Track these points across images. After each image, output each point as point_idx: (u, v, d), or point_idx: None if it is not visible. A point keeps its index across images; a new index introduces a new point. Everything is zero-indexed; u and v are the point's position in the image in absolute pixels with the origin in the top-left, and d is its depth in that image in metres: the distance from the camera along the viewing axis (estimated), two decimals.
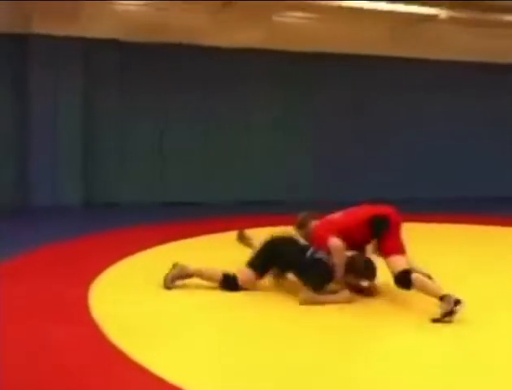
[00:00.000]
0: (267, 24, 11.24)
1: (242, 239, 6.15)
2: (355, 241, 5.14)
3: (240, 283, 5.19)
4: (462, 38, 12.29)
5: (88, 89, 10.41)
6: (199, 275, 5.27)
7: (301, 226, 5.52)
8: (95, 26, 10.33)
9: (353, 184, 11.91)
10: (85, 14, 10.21)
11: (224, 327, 4.38)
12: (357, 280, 5.13)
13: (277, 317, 4.65)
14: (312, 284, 4.96)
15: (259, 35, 11.22)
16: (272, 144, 11.62)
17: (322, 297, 4.93)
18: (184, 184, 11.16)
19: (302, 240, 5.35)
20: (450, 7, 10.65)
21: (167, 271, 5.25)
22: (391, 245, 4.94)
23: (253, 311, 4.79)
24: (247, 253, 5.53)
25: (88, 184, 10.52)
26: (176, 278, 5.24)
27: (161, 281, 5.22)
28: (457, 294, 4.49)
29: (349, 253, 5.16)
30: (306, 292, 4.95)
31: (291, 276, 5.29)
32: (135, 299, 4.95)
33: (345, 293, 5.01)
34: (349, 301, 4.94)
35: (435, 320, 4.42)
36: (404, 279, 4.75)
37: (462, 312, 4.40)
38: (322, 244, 5.10)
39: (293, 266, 5.16)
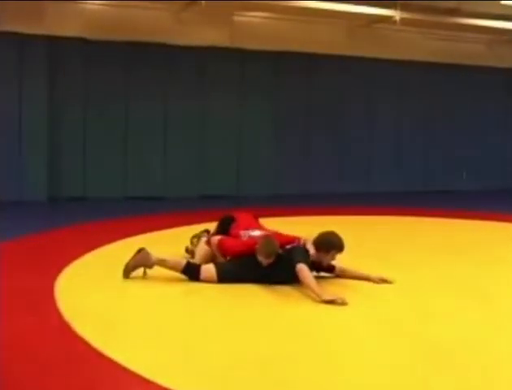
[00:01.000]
0: (229, 24, 11.53)
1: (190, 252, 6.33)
2: None
3: (201, 277, 5.34)
4: (415, 39, 12.82)
5: (54, 85, 10.56)
6: (162, 263, 5.38)
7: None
8: (60, 24, 10.49)
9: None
10: (51, 12, 10.37)
11: (184, 316, 4.57)
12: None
13: (243, 306, 4.83)
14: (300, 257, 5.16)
15: (220, 34, 11.51)
16: (228, 141, 11.90)
17: (314, 283, 4.98)
18: (147, 179, 11.40)
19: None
20: (404, 9, 11.08)
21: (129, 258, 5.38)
22: None
23: (217, 301, 4.98)
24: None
25: (53, 178, 10.68)
26: (138, 266, 5.37)
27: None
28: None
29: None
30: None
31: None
32: (99, 290, 5.07)
33: (330, 295, 4.90)
34: (332, 300, 4.80)
35: None
36: None
37: None
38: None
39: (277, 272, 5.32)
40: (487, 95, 13.89)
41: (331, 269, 5.56)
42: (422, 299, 5.14)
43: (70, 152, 10.90)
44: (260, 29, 11.86)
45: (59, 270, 5.59)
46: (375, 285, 5.46)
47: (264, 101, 12.08)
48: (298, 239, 5.58)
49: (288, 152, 12.31)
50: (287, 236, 5.64)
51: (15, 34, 10.08)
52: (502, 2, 11.01)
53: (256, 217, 6.27)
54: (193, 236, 6.45)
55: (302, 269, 5.08)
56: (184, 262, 5.46)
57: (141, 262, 5.40)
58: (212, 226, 6.37)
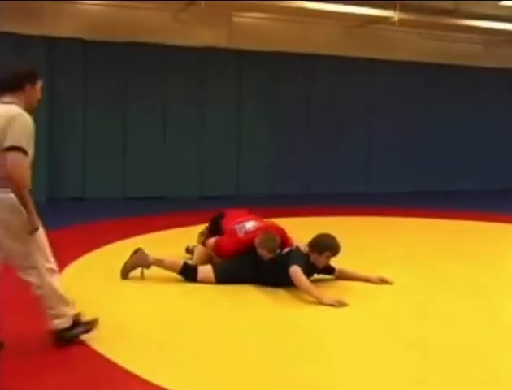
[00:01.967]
0: (228, 24, 11.56)
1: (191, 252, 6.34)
2: None
3: (198, 278, 5.37)
4: (413, 39, 12.87)
5: (52, 86, 10.57)
6: (160, 264, 5.42)
7: None
8: (59, 25, 10.52)
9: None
10: (49, 13, 10.40)
11: (182, 317, 4.60)
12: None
13: (241, 307, 4.88)
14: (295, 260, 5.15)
15: (218, 34, 11.53)
16: (227, 141, 11.92)
17: (311, 286, 5.01)
18: (146, 180, 11.43)
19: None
20: (402, 10, 11.11)
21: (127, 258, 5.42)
22: None
23: (217, 302, 5.00)
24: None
25: (52, 178, 10.70)
26: (136, 266, 5.42)
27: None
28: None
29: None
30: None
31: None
32: (97, 290, 5.10)
33: (329, 298, 4.89)
34: (332, 304, 4.82)
35: None
36: None
37: None
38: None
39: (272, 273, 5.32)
40: (485, 95, 13.92)
41: (331, 271, 5.58)
42: (421, 299, 5.17)
43: (69, 152, 10.92)
44: (258, 30, 11.88)
45: (58, 270, 5.56)
46: (375, 286, 5.49)
47: (262, 102, 12.10)
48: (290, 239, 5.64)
49: (287, 152, 12.33)
50: (282, 229, 5.69)
51: (14, 35, 10.09)
52: (500, 3, 11.05)
53: (250, 211, 6.26)
54: (200, 233, 6.41)
55: (295, 271, 5.08)
56: (181, 262, 5.49)
57: (138, 262, 5.44)
58: None
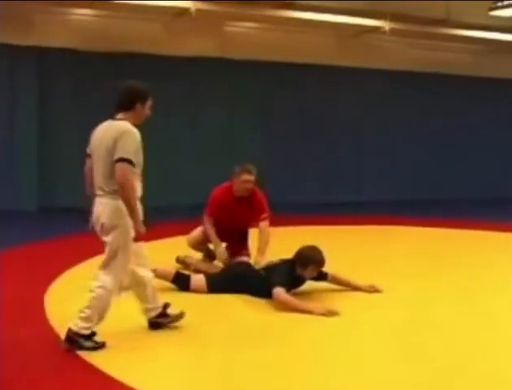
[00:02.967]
0: (219, 34, 11.59)
1: (181, 262, 6.38)
2: None
3: (191, 287, 5.38)
4: (404, 49, 12.94)
5: (44, 96, 10.56)
6: (152, 272, 5.25)
7: None
8: (50, 35, 10.51)
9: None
10: (40, 23, 10.39)
11: (175, 327, 4.54)
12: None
13: (235, 315, 4.89)
14: (279, 280, 5.04)
15: (210, 44, 11.56)
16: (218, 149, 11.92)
17: (297, 302, 4.96)
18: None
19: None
20: (393, 19, 11.18)
21: None
22: None
23: (209, 312, 5.02)
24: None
25: (43, 189, 10.65)
26: None
27: None
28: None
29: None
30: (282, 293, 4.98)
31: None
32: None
33: (320, 308, 4.89)
34: (323, 314, 4.79)
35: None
36: None
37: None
38: None
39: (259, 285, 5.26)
40: (474, 105, 14.00)
41: (324, 276, 5.56)
42: (415, 307, 5.17)
43: (61, 163, 10.87)
44: (250, 39, 11.91)
45: (50, 280, 5.61)
46: (367, 294, 5.47)
47: (253, 111, 12.11)
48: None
49: (277, 162, 12.32)
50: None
51: (5, 46, 10.08)
52: (490, 13, 11.12)
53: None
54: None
55: (278, 296, 4.97)
56: (173, 271, 5.49)
57: None
58: None
